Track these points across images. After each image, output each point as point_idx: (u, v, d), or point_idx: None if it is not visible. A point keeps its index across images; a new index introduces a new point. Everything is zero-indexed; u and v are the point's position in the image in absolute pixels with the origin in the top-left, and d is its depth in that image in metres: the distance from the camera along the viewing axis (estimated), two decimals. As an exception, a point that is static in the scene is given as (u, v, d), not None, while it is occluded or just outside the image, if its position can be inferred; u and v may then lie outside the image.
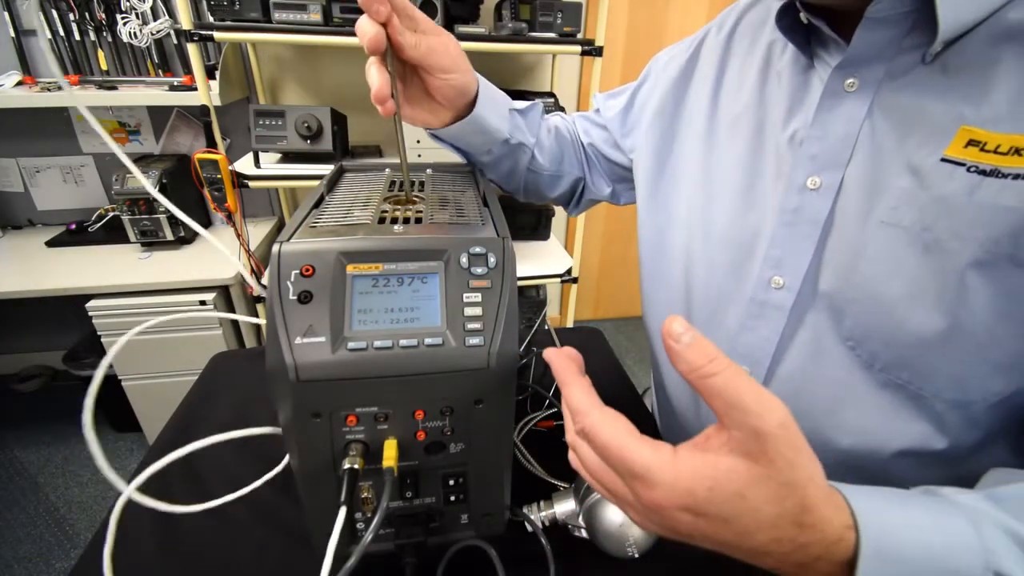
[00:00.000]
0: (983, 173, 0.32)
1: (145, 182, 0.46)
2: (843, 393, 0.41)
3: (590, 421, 0.27)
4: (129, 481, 0.38)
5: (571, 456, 0.31)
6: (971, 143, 0.33)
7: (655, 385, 0.65)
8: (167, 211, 1.43)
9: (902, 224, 0.35)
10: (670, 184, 0.54)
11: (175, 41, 1.53)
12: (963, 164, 0.33)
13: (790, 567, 0.25)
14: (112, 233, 1.54)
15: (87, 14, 1.45)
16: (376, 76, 0.41)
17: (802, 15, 0.40)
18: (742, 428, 0.23)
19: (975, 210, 0.33)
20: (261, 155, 1.33)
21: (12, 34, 1.45)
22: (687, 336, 0.24)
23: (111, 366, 1.53)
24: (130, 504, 0.37)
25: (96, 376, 0.36)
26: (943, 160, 0.34)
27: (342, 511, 0.32)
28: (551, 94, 1.54)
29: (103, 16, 1.46)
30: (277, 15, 1.21)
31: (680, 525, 0.25)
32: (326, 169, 0.50)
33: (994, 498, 0.26)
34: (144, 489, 0.38)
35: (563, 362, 0.33)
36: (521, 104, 0.58)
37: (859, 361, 0.39)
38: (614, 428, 0.27)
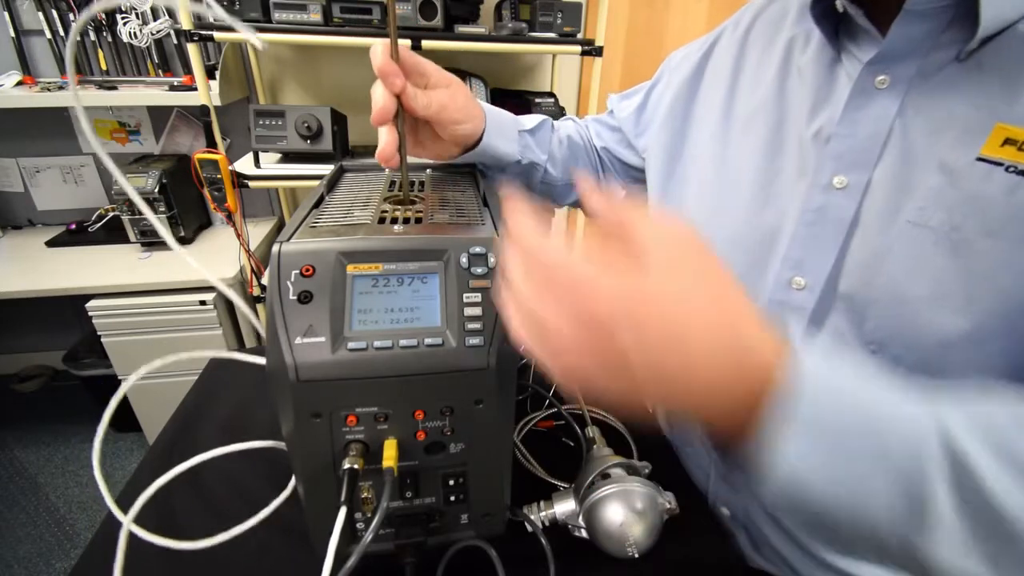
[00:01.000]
0: (1022, 173, 0.32)
1: (133, 193, 0.46)
2: None
3: (536, 242, 0.26)
4: (126, 488, 0.38)
5: (503, 293, 0.28)
6: (1008, 142, 0.32)
7: None
8: (167, 211, 1.43)
9: (930, 224, 0.35)
10: (680, 184, 0.54)
11: (175, 41, 1.53)
12: (1001, 164, 0.32)
13: (720, 398, 0.25)
14: (112, 233, 1.54)
15: (87, 14, 1.45)
16: (385, 135, 0.42)
17: (838, 2, 0.40)
18: (659, 243, 0.25)
19: (1013, 210, 0.32)
20: (261, 155, 1.33)
21: (12, 34, 1.45)
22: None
23: (110, 366, 1.51)
24: (128, 500, 0.37)
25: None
26: (979, 159, 0.33)
27: (342, 511, 0.32)
28: (551, 94, 1.54)
29: (103, 16, 1.46)
30: (277, 15, 1.21)
31: (614, 345, 0.24)
32: (326, 169, 0.50)
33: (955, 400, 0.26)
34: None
35: (510, 199, 0.31)
36: (530, 122, 0.59)
37: (881, 365, 0.39)
38: (558, 247, 0.26)
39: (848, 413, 0.24)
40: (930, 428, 0.23)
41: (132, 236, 1.44)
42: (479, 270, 0.35)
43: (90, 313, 1.30)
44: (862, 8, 0.38)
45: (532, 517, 0.45)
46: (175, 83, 1.48)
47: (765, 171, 0.45)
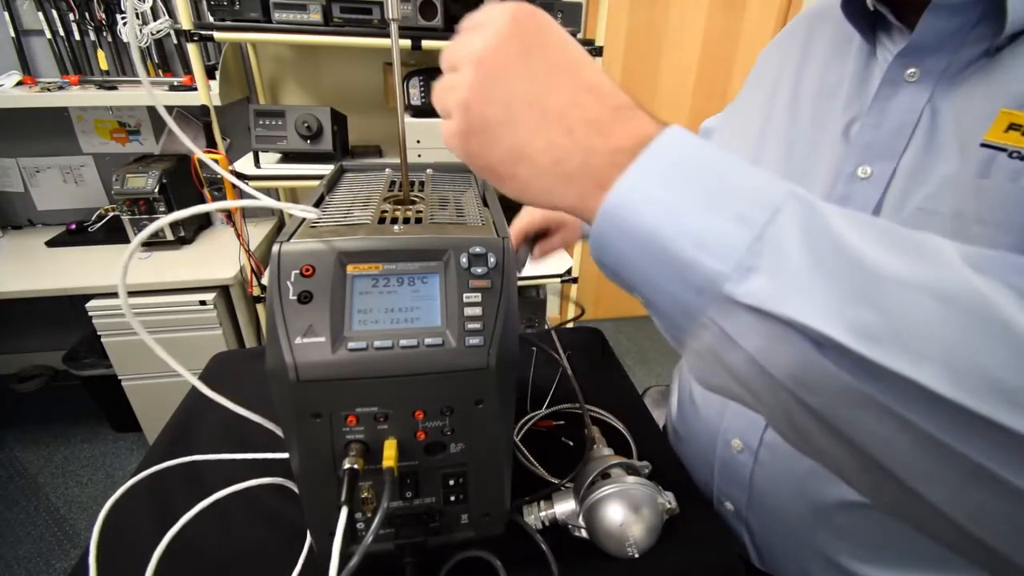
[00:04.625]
0: None
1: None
2: None
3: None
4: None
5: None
6: (1012, 127, 0.32)
7: (679, 375, 0.65)
8: (167, 211, 1.43)
9: (939, 211, 0.35)
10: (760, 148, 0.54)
11: (175, 41, 1.53)
12: (1004, 149, 0.32)
13: (583, 133, 0.24)
14: (112, 233, 1.54)
15: (87, 14, 1.45)
16: None
17: (868, 1, 0.40)
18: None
19: (1016, 196, 0.32)
20: (261, 155, 1.33)
21: (12, 34, 1.45)
22: None
23: (110, 366, 1.51)
24: (127, 502, 0.37)
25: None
26: (982, 145, 0.33)
27: (344, 511, 0.32)
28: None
29: (103, 16, 1.46)
30: (277, 15, 1.21)
31: (504, 70, 0.25)
32: (326, 169, 0.50)
33: None
34: (144, 496, 0.38)
35: None
36: None
37: None
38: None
39: (702, 159, 0.22)
40: (780, 186, 0.21)
41: (132, 236, 1.45)
42: (479, 270, 0.35)
43: (90, 313, 1.30)
44: (890, 6, 0.38)
45: (532, 517, 0.45)
46: (175, 83, 1.48)
47: (800, 164, 0.45)
